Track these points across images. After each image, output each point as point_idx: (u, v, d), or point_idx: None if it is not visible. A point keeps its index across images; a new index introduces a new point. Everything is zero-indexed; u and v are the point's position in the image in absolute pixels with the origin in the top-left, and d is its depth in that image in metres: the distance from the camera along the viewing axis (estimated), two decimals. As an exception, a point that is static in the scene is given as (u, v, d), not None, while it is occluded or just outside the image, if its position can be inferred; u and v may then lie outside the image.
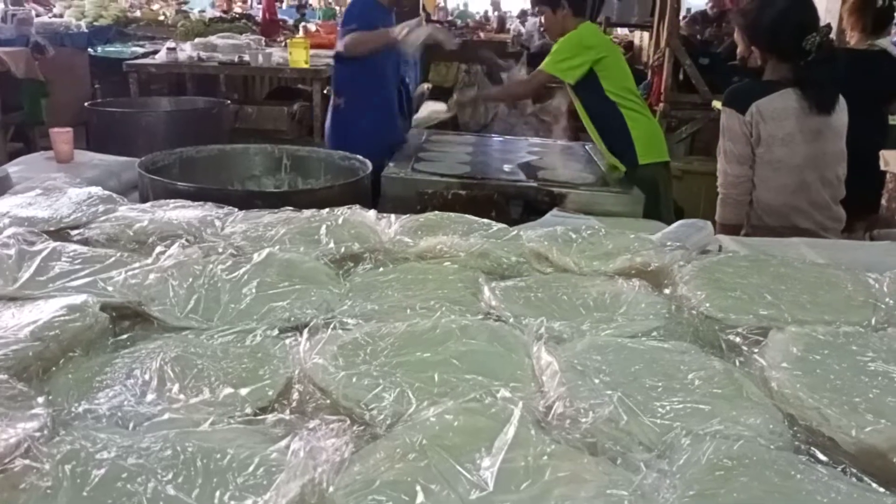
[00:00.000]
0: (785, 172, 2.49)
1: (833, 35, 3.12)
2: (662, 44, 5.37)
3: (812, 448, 0.93)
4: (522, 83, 3.76)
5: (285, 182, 2.99)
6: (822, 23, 2.63)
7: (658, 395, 0.98)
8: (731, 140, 2.54)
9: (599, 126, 3.32)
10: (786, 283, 1.35)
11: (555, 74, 3.28)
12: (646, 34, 7.79)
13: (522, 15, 13.94)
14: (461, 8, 16.51)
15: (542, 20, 3.63)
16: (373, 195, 2.84)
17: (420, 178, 3.03)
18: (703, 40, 6.74)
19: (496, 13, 14.30)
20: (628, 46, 8.47)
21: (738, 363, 1.11)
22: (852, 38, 3.56)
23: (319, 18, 11.13)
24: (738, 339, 1.14)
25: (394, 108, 3.94)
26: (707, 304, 1.27)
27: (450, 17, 13.22)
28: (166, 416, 0.92)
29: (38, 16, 7.28)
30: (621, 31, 9.18)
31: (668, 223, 2.03)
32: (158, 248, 1.39)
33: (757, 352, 1.11)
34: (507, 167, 3.28)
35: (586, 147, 3.79)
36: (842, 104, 2.54)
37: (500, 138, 4.06)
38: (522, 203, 3.00)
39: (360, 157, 2.86)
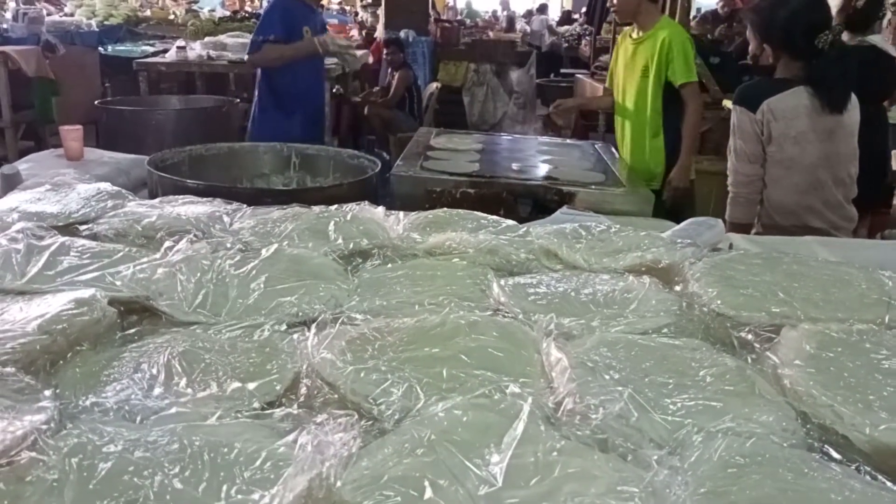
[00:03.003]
0: (797, 171, 2.47)
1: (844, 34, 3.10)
2: (673, 43, 5.33)
3: (825, 446, 0.92)
4: (695, 106, 3.28)
5: (294, 180, 2.99)
6: (834, 21, 2.62)
7: (669, 391, 0.97)
8: (742, 139, 2.52)
9: (669, 135, 3.27)
10: (798, 281, 1.34)
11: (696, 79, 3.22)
12: (656, 33, 7.74)
13: (528, 15, 13.92)
14: (470, 7, 16.49)
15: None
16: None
17: (429, 177, 3.01)
18: (713, 39, 6.71)
19: (505, 12, 14.27)
20: (638, 46, 8.42)
21: (750, 360, 1.10)
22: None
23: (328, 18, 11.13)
24: (750, 337, 1.13)
25: (313, 102, 3.95)
26: (718, 302, 1.25)
27: (459, 17, 13.21)
28: (174, 409, 0.91)
29: (49, 14, 7.33)
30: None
31: None
32: (167, 243, 1.39)
33: (769, 349, 1.10)
34: (515, 166, 3.26)
35: (595, 146, 3.77)
36: (854, 102, 2.51)
37: (510, 137, 4.04)
38: (531, 202, 2.98)
39: (369, 155, 2.85)
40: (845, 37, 3.39)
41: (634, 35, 3.39)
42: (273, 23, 3.74)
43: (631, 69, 3.37)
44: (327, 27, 4.25)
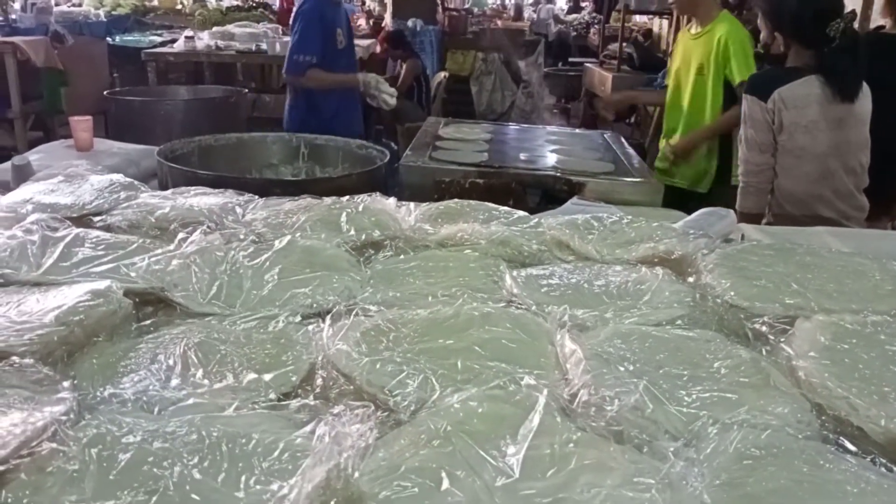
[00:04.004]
0: (808, 160, 2.46)
1: (856, 23, 3.07)
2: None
3: (840, 438, 0.92)
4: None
5: (303, 171, 2.98)
6: (847, 9, 2.59)
7: (684, 383, 0.97)
8: (753, 128, 2.51)
9: (724, 136, 3.17)
10: (812, 272, 1.33)
11: None
12: (665, 21, 7.72)
13: (536, 3, 13.84)
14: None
15: None
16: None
17: (437, 167, 3.01)
18: (723, 28, 6.65)
19: (513, 1, 14.19)
20: (647, 34, 8.39)
21: (764, 352, 1.09)
22: (886, 24, 3.49)
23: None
24: (764, 328, 1.13)
25: (351, 99, 3.89)
26: (732, 293, 1.25)
27: (466, 6, 13.14)
28: (191, 400, 0.92)
29: (57, 5, 7.33)
30: (639, 19, 9.09)
31: None
32: (181, 235, 1.40)
33: (784, 341, 1.10)
34: (523, 156, 3.26)
35: (605, 135, 3.76)
36: (865, 91, 2.50)
37: (518, 126, 4.03)
38: (540, 192, 2.98)
39: (377, 145, 2.85)
40: (889, 25, 3.35)
41: (693, 30, 3.29)
42: (314, 41, 3.62)
43: (687, 66, 3.27)
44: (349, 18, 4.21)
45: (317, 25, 3.63)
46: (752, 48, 3.06)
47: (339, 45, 3.70)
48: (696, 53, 3.22)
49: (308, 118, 3.68)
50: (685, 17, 3.66)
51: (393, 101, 3.75)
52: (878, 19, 3.72)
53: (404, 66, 6.84)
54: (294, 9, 3.79)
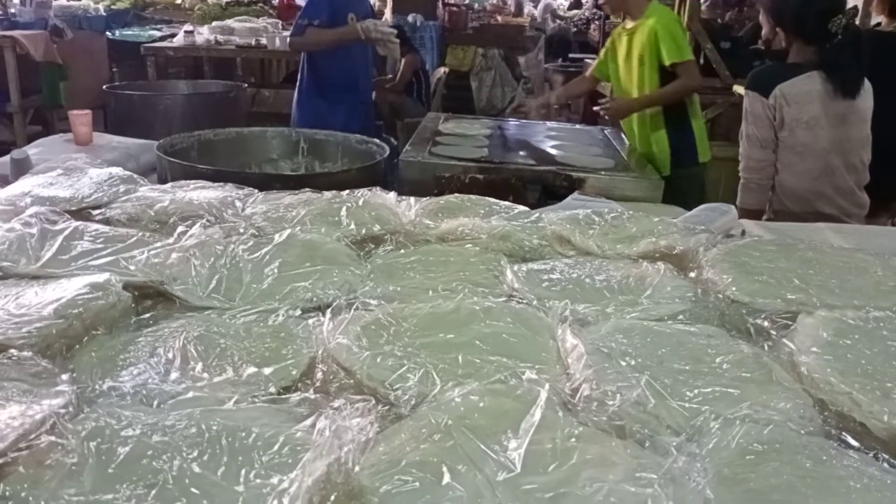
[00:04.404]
0: (809, 157, 2.45)
1: (857, 19, 3.06)
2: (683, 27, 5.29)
3: (843, 433, 0.91)
4: (690, 79, 3.21)
5: (302, 165, 2.98)
6: (849, 5, 2.59)
7: (686, 378, 0.97)
8: (755, 124, 2.50)
9: (671, 121, 3.22)
10: (814, 268, 1.33)
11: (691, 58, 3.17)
12: (665, 18, 7.67)
13: (535, -1, 13.80)
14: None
15: None
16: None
17: (437, 162, 3.00)
18: (724, 24, 6.64)
19: (513, -4, 14.15)
20: (647, 30, 8.35)
21: (766, 347, 1.09)
22: (882, 21, 3.48)
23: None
24: (766, 324, 1.13)
25: (358, 94, 3.87)
26: (734, 288, 1.25)
27: (466, 1, 13.11)
28: (190, 394, 0.91)
29: (56, -1, 7.29)
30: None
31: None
32: (180, 228, 1.39)
33: (786, 336, 1.10)
34: (523, 151, 3.25)
35: (605, 131, 3.75)
36: (867, 87, 2.49)
37: (518, 122, 4.02)
38: (540, 187, 2.97)
39: (377, 140, 2.84)
40: (884, 22, 3.35)
41: (628, 26, 3.36)
42: (318, 6, 3.65)
43: (628, 61, 3.34)
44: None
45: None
46: (683, 29, 3.15)
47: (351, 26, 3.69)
48: (635, 46, 3.27)
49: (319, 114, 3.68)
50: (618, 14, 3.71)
51: (396, 40, 3.73)
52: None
53: (402, 61, 6.82)
54: None
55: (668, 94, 3.24)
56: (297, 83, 3.94)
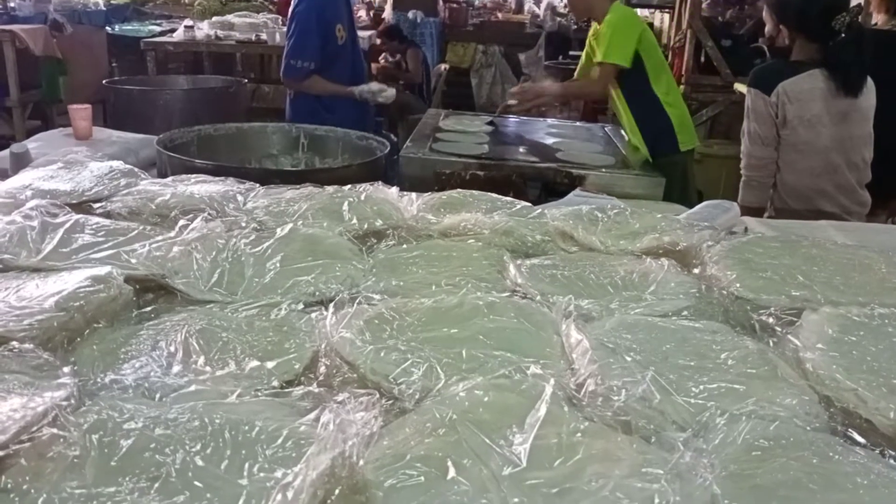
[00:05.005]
0: (811, 155, 2.45)
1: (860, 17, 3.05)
2: (684, 25, 5.29)
3: (849, 430, 0.91)
4: (595, 82, 3.33)
5: (302, 161, 2.97)
6: (852, 3, 2.58)
7: (691, 374, 0.96)
8: (756, 121, 2.50)
9: (639, 112, 3.22)
10: (818, 265, 1.33)
11: (620, 64, 3.14)
12: (666, 15, 7.69)
13: (537, -4, 13.77)
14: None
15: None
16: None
17: (438, 159, 3.00)
18: (724, 22, 6.64)
19: (514, -7, 14.12)
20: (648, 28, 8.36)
21: (771, 344, 1.09)
22: (878, 19, 3.49)
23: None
24: (770, 320, 1.12)
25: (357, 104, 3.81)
26: (738, 285, 1.24)
27: (466, -1, 13.08)
28: (193, 387, 0.91)
29: (55, -7, 7.27)
30: (640, 13, 9.06)
31: (689, 208, 2.00)
32: (181, 222, 1.38)
33: (790, 333, 1.09)
34: (523, 148, 3.24)
35: (605, 128, 3.75)
36: (869, 85, 2.49)
37: (518, 119, 4.01)
38: (540, 184, 2.96)
39: (377, 136, 2.83)
40: (881, 21, 3.35)
41: (593, 29, 3.38)
42: (312, 46, 3.53)
43: (592, 61, 3.36)
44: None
45: (313, 28, 3.54)
46: (632, 32, 3.13)
47: (339, 40, 3.65)
48: (598, 48, 3.28)
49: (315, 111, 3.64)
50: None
51: (392, 94, 3.72)
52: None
53: (409, 59, 6.80)
54: (291, 6, 3.71)
55: (570, 89, 3.49)
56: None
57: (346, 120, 3.34)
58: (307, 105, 3.68)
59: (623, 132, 3.49)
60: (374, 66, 6.13)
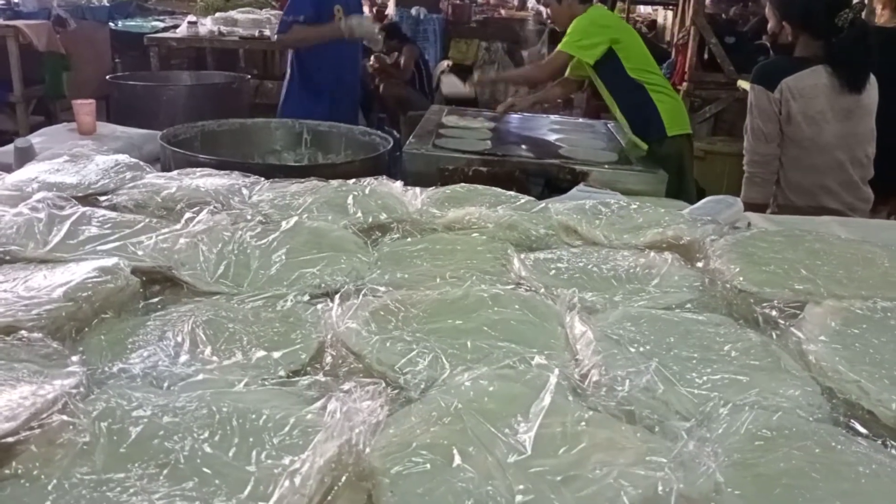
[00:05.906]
0: (814, 151, 2.45)
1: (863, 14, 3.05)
2: (687, 22, 5.29)
3: (851, 421, 0.92)
4: (542, 66, 3.67)
5: (305, 157, 2.97)
6: (854, 0, 2.58)
7: (694, 365, 0.97)
8: (760, 118, 2.50)
9: (624, 104, 3.28)
10: (821, 259, 1.33)
11: (573, 54, 3.25)
12: (669, 12, 7.70)
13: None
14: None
15: (549, 12, 3.60)
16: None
17: (441, 155, 3.00)
18: (728, 19, 6.64)
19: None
20: (651, 25, 8.36)
21: (774, 336, 1.09)
22: (882, 17, 3.48)
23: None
24: (774, 313, 1.13)
25: (345, 88, 3.87)
26: (741, 278, 1.25)
27: (470, -5, 13.06)
28: (200, 377, 0.92)
29: (59, -12, 7.26)
30: (644, 10, 9.07)
31: (691, 202, 2.01)
32: (187, 215, 1.39)
33: (794, 325, 1.10)
34: (525, 145, 3.25)
35: (608, 125, 3.75)
36: (872, 82, 2.49)
37: (521, 115, 4.02)
38: (543, 180, 2.97)
39: (380, 132, 2.84)
40: (884, 18, 3.34)
41: None
42: (303, 2, 3.65)
43: None
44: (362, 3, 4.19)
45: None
46: (594, 28, 3.23)
47: (336, 21, 3.68)
48: None
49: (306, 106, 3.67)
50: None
51: (379, 37, 3.81)
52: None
53: (404, 55, 6.80)
54: None
55: (517, 74, 3.94)
56: (286, 77, 3.94)
57: (335, 115, 3.39)
58: (299, 101, 3.75)
59: (627, 131, 3.50)
60: (367, 64, 6.13)
